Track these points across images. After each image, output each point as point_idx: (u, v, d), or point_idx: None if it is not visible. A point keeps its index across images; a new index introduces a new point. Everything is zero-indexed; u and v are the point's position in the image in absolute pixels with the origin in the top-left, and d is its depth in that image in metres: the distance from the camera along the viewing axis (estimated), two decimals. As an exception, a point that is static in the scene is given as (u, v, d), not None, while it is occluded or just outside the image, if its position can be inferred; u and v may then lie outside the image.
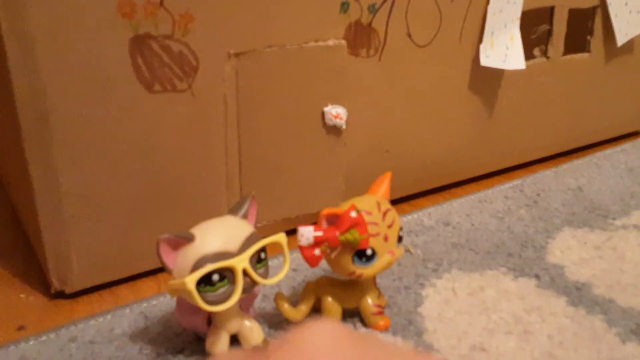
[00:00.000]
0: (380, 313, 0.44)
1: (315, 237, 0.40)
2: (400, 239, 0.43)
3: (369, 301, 0.43)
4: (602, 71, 0.73)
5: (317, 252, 0.41)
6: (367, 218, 0.41)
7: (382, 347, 0.21)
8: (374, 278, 0.44)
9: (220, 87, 0.48)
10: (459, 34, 0.59)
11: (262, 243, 0.39)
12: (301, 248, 0.40)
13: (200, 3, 0.45)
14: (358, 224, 0.41)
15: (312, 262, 0.41)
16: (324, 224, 0.41)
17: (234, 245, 0.38)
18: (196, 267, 0.37)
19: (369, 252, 0.41)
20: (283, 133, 0.52)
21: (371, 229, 0.41)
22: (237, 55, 0.48)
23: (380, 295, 0.45)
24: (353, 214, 0.40)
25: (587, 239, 0.55)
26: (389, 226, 0.42)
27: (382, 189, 0.44)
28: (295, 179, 0.54)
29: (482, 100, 0.64)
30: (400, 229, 0.43)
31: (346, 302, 0.44)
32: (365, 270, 0.41)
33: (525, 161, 0.72)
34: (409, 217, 0.60)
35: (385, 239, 0.42)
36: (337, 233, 0.40)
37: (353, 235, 0.40)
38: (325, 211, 0.41)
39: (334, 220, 0.41)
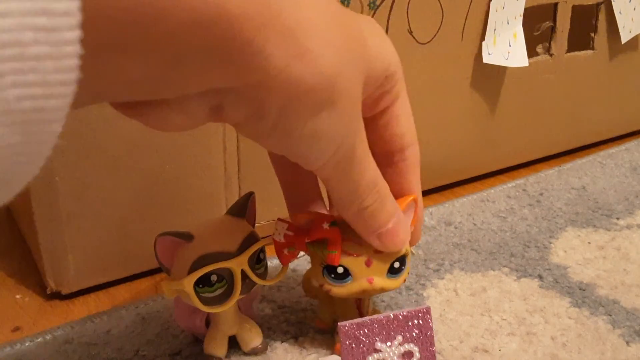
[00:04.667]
0: None
1: (285, 236, 0.37)
2: (395, 270, 0.37)
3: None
4: (606, 68, 0.72)
5: (286, 251, 0.38)
6: (349, 234, 0.36)
7: None
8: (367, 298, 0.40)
9: (219, 85, 0.47)
10: (461, 30, 0.59)
11: (261, 243, 0.38)
12: (274, 241, 0.38)
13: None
14: (331, 238, 0.36)
15: (281, 259, 0.38)
16: (302, 224, 0.37)
17: (232, 246, 0.37)
18: (194, 267, 0.36)
19: (339, 270, 0.36)
20: (282, 131, 0.51)
21: (349, 248, 0.36)
22: (235, 52, 0.47)
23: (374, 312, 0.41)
24: (325, 225, 0.36)
25: (591, 239, 0.55)
26: (377, 252, 0.36)
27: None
28: (295, 178, 0.54)
29: (484, 98, 0.63)
30: (400, 259, 0.37)
31: (337, 312, 0.41)
32: (334, 288, 0.37)
33: (528, 160, 0.71)
34: (411, 216, 0.59)
35: (367, 263, 0.36)
36: (306, 240, 0.36)
37: (320, 248, 0.36)
38: (304, 213, 0.38)
39: (309, 224, 0.37)
